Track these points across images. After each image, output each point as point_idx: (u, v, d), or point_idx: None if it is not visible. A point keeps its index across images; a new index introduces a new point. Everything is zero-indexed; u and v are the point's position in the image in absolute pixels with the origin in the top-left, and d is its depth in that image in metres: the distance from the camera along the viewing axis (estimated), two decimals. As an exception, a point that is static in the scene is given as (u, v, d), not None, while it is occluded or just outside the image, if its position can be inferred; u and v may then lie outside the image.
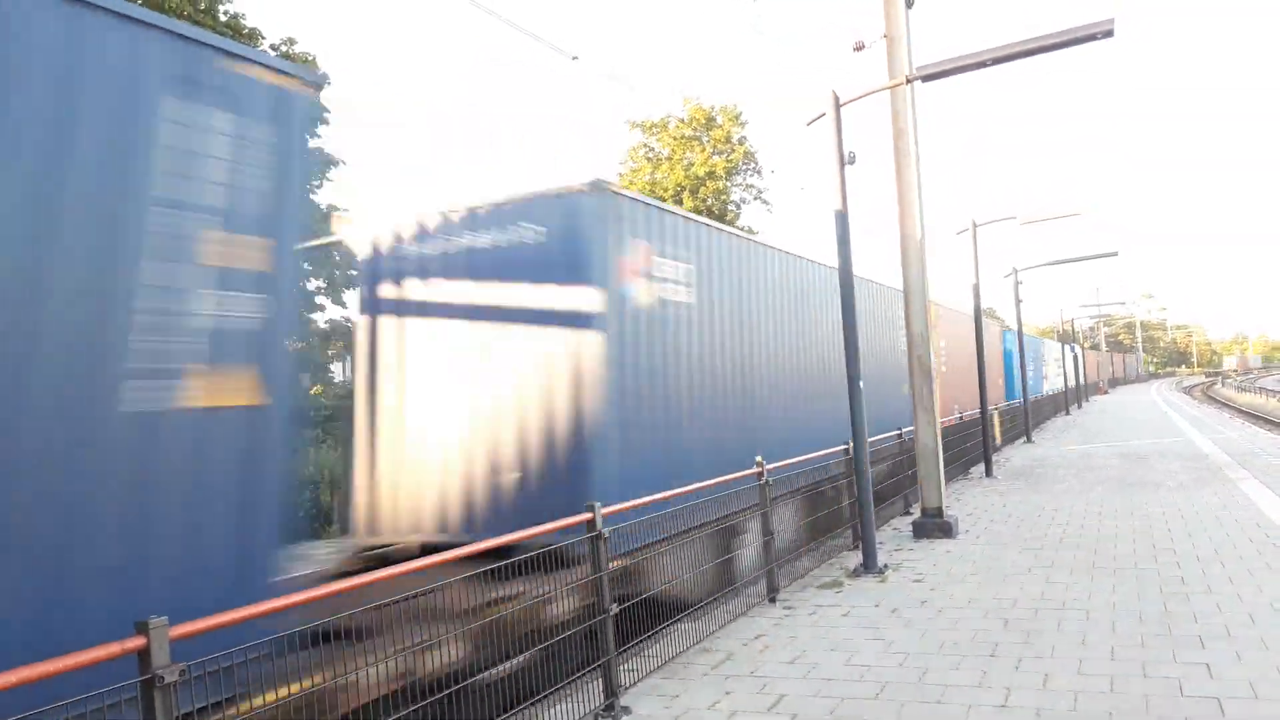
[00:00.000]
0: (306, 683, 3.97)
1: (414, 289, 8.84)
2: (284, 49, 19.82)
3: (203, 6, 18.07)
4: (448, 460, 8.51)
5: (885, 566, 9.06)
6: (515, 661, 5.12)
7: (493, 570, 4.97)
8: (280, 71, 4.78)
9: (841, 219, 9.30)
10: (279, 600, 3.83)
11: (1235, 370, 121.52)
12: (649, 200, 9.16)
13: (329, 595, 4.08)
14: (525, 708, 5.01)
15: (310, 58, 20.49)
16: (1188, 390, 69.24)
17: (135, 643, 3.11)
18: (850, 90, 9.44)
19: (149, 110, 4.16)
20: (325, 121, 20.13)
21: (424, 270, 8.81)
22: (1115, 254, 25.25)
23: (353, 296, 14.58)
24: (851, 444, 9.62)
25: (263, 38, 19.47)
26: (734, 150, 35.18)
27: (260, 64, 4.72)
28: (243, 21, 19.14)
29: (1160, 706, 4.94)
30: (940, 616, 7.14)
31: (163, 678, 3.11)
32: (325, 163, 21.30)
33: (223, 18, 18.66)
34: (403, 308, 8.89)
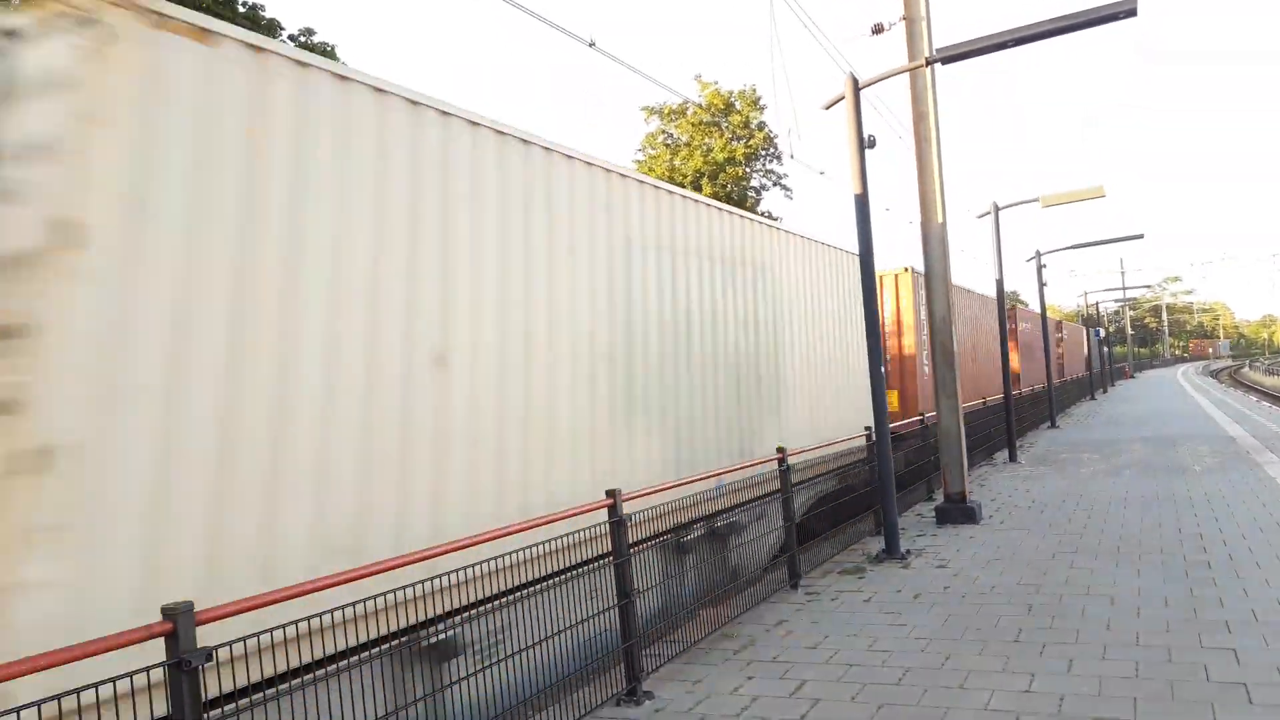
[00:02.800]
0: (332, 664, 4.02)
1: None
2: (303, 39, 19.85)
3: (222, -2, 18.13)
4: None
5: (908, 552, 9.03)
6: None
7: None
8: None
9: (861, 202, 9.23)
10: (308, 583, 3.85)
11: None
12: None
13: (364, 575, 4.10)
14: (549, 691, 5.04)
15: (330, 48, 20.51)
16: (1215, 374, 68.19)
17: (162, 627, 3.13)
18: (869, 73, 9.36)
19: None
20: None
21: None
22: (1141, 236, 24.98)
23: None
24: (874, 430, 9.59)
25: (281, 28, 19.51)
26: (753, 135, 35.01)
27: None
28: (261, 13, 19.19)
29: (1186, 693, 4.90)
30: (963, 602, 7.12)
31: (189, 662, 3.14)
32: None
33: (241, 9, 18.72)
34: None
